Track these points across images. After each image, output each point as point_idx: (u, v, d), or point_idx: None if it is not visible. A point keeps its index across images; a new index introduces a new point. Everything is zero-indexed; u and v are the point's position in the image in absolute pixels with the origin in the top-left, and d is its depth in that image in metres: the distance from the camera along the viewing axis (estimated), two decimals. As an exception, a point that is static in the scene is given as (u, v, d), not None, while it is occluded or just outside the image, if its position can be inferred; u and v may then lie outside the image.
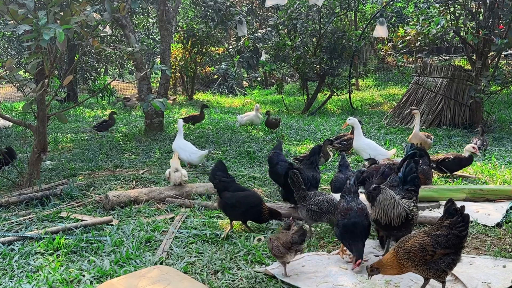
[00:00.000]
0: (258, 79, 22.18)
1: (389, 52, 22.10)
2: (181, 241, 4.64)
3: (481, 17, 10.53)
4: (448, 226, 3.35)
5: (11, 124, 11.10)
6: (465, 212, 3.40)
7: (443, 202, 4.71)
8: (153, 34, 20.31)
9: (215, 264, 4.13)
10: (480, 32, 9.92)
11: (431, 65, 11.62)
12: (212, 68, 19.72)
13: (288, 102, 16.48)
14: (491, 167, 7.14)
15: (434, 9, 11.46)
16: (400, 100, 12.40)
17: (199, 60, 17.83)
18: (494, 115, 11.50)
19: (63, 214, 5.37)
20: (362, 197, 4.70)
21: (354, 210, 4.02)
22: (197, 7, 17.15)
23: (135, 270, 3.89)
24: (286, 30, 15.63)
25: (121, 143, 9.69)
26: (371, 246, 4.47)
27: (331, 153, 8.43)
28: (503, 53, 14.44)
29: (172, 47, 16.38)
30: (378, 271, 3.40)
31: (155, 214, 5.48)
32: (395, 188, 4.26)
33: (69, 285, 3.79)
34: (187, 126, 11.59)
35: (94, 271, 3.97)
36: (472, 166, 6.99)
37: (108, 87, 17.36)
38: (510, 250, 4.35)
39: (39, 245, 4.50)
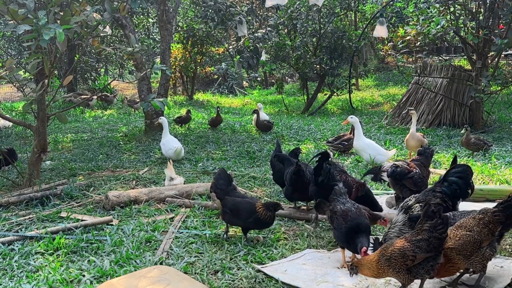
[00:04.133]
0: (258, 79, 22.19)
1: (389, 52, 22.13)
2: (181, 241, 4.64)
3: (481, 17, 10.52)
4: (428, 230, 3.32)
5: (11, 124, 11.10)
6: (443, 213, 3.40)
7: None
8: (153, 34, 20.31)
9: (215, 264, 4.12)
10: (480, 32, 9.92)
11: (431, 65, 11.62)
12: (212, 68, 19.72)
13: (288, 102, 16.48)
14: (491, 167, 7.13)
15: (434, 9, 11.45)
16: (400, 100, 12.40)
17: (199, 60, 17.83)
18: (494, 115, 11.49)
19: (63, 214, 5.36)
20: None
21: (352, 211, 4.01)
22: (197, 7, 17.15)
23: (135, 270, 3.88)
24: (286, 30, 15.64)
25: (121, 143, 9.70)
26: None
27: (331, 153, 8.43)
28: (503, 53, 14.45)
29: (172, 47, 16.38)
30: (356, 270, 3.41)
31: (155, 214, 5.48)
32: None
33: (69, 285, 3.79)
34: (187, 126, 11.58)
35: (94, 271, 3.97)
36: (472, 166, 6.90)
37: (108, 87, 17.37)
38: (510, 250, 4.35)
39: (39, 245, 4.50)
